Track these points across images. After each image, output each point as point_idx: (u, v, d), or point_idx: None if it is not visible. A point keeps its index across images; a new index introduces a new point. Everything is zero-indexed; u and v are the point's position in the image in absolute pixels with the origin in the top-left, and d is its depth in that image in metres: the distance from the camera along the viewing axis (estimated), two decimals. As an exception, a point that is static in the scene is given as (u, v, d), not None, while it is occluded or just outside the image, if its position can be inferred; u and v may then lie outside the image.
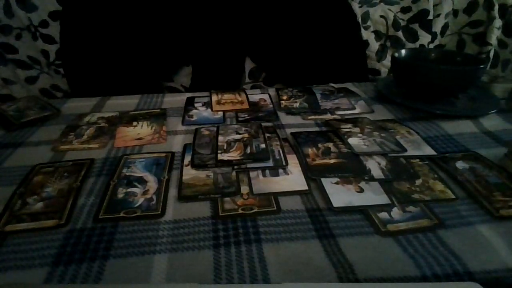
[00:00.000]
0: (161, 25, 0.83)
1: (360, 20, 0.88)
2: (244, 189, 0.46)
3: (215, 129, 0.61)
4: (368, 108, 0.72)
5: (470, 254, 0.36)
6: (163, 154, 0.55)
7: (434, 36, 0.92)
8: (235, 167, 0.50)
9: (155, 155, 0.54)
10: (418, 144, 0.57)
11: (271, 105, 0.73)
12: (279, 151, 0.54)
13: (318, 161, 0.52)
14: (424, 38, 0.91)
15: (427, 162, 0.52)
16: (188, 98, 0.77)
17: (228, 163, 0.51)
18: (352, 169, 0.50)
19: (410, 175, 0.49)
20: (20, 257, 0.36)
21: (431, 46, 0.93)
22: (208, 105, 0.74)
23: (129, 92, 0.80)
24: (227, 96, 0.77)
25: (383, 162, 0.52)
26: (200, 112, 0.71)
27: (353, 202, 0.44)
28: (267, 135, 0.59)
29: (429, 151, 0.55)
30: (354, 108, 0.71)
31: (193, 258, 0.36)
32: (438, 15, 0.91)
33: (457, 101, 0.72)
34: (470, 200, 0.44)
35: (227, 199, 0.44)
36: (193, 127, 0.63)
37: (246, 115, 0.69)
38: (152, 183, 0.47)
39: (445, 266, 0.35)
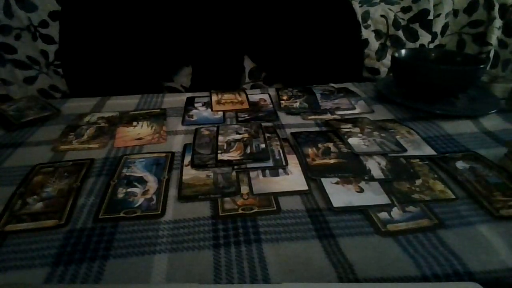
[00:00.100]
0: (161, 26, 0.83)
1: (360, 19, 0.88)
2: (244, 189, 0.46)
3: (215, 129, 0.61)
4: (368, 108, 0.72)
5: (470, 254, 0.36)
6: (163, 154, 0.55)
7: (434, 36, 0.92)
8: (235, 167, 0.50)
9: (155, 155, 0.54)
10: (418, 144, 0.57)
11: (271, 105, 0.73)
12: (279, 151, 0.54)
13: (318, 161, 0.52)
14: (424, 38, 0.91)
15: (427, 162, 0.52)
16: (188, 98, 0.77)
17: (228, 163, 0.51)
18: (352, 169, 0.50)
19: (410, 175, 0.49)
20: (20, 257, 0.36)
21: (431, 46, 0.93)
22: (208, 105, 0.74)
23: (129, 92, 0.80)
24: (227, 96, 0.77)
25: (383, 162, 0.52)
26: (200, 112, 0.71)
27: (353, 202, 0.44)
28: (267, 135, 0.59)
29: (429, 151, 0.55)
30: (354, 108, 0.71)
31: (193, 258, 0.36)
32: (439, 15, 0.91)
33: (457, 101, 0.72)
34: (470, 200, 0.44)
35: (227, 199, 0.44)
36: (193, 127, 0.63)
37: (246, 115, 0.69)
38: (152, 183, 0.47)
39: (445, 266, 0.35)
